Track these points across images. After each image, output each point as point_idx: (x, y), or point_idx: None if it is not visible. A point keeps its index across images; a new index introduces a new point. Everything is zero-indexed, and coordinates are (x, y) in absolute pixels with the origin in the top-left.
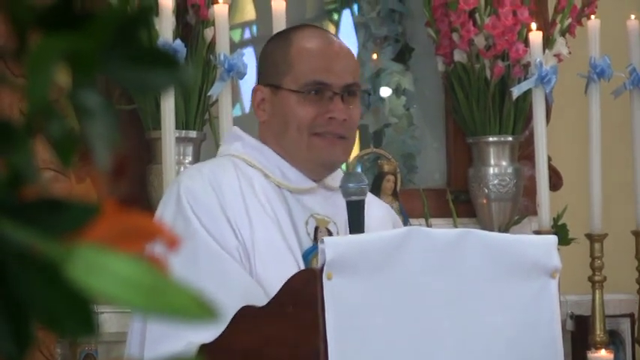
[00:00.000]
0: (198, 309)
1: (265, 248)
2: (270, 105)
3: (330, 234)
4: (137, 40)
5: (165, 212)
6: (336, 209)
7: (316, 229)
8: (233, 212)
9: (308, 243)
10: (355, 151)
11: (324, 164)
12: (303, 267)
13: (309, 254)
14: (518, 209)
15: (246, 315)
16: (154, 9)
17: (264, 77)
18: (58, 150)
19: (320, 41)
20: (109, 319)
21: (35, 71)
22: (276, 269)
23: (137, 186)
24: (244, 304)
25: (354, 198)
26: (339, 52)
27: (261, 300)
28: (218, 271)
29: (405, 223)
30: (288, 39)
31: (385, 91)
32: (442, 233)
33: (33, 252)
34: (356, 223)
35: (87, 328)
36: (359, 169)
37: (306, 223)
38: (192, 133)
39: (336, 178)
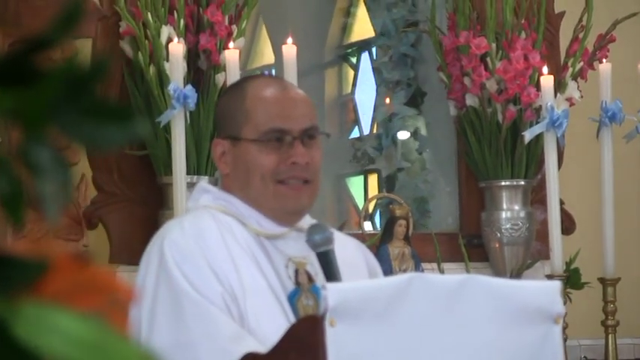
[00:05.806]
0: None
1: (253, 292)
2: (231, 157)
3: (309, 276)
4: (90, 95)
5: (148, 267)
6: (310, 250)
7: (296, 271)
8: (217, 260)
9: (291, 286)
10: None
11: (292, 212)
12: (289, 310)
13: (294, 297)
14: (531, 253)
15: None
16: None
17: (223, 130)
18: (8, 207)
19: (274, 89)
20: None
21: None
22: (266, 313)
23: (150, 231)
24: (233, 352)
25: (322, 249)
26: (295, 98)
27: (250, 347)
28: (204, 322)
29: (417, 267)
30: (242, 90)
31: (398, 136)
32: (444, 280)
33: None
34: (331, 272)
35: None
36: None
37: (287, 266)
38: (204, 179)
39: (306, 219)
